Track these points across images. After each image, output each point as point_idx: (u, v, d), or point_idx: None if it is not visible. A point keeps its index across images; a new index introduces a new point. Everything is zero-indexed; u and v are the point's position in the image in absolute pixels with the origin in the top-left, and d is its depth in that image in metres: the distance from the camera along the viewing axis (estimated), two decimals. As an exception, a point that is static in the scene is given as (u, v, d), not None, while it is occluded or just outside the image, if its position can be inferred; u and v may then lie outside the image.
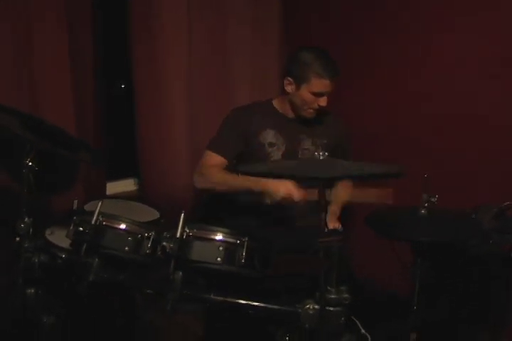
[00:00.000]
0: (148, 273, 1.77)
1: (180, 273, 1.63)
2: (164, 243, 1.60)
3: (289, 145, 2.32)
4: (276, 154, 2.32)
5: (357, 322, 1.71)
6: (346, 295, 1.57)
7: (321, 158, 1.51)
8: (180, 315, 1.66)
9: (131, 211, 2.38)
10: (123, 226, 1.78)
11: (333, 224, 2.17)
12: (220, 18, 2.76)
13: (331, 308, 1.57)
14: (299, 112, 2.30)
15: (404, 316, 1.90)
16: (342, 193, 2.34)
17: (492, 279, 2.10)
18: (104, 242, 1.73)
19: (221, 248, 1.63)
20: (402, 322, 1.90)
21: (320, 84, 2.17)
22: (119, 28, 2.61)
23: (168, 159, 2.71)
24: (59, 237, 2.07)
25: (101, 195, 2.63)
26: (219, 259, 1.62)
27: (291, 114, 2.34)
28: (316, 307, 1.58)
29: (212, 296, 1.63)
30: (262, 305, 1.62)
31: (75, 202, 2.31)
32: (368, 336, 1.82)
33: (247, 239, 1.64)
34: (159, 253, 1.70)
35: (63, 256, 1.97)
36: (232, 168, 2.32)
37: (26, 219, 1.88)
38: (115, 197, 2.65)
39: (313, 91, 2.19)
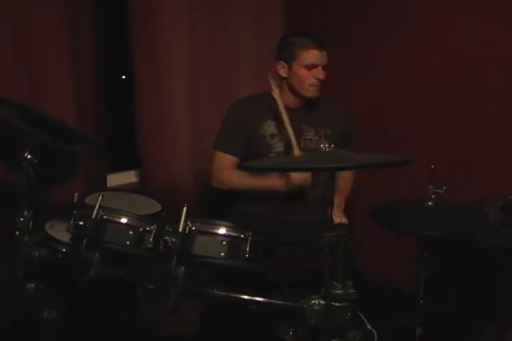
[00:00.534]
0: (150, 267, 1.73)
1: (183, 267, 1.59)
2: (166, 237, 1.56)
3: (290, 136, 2.28)
4: (279, 145, 2.28)
5: (363, 317, 1.68)
6: (352, 291, 1.54)
7: (327, 149, 1.47)
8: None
9: (132, 203, 2.34)
10: (124, 220, 1.75)
11: (339, 218, 2.15)
12: (222, 14, 2.73)
13: (337, 304, 1.54)
14: (301, 93, 2.25)
15: (410, 310, 1.87)
16: (345, 186, 2.31)
17: (498, 272, 2.06)
18: (105, 237, 1.71)
19: (224, 242, 1.60)
20: (407, 317, 1.88)
21: (308, 55, 2.17)
22: (120, 25, 2.57)
23: (170, 150, 2.68)
24: (59, 231, 2.04)
25: (102, 187, 2.59)
26: (222, 254, 1.59)
27: (292, 104, 2.30)
28: (322, 302, 1.55)
29: (215, 291, 1.60)
30: (266, 300, 1.59)
31: (76, 194, 2.29)
32: (374, 332, 1.80)
33: (251, 233, 1.61)
34: (161, 247, 1.67)
35: (64, 250, 1.95)
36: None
37: (26, 213, 1.84)
38: (116, 189, 2.62)
39: (305, 63, 2.17)
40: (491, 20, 2.30)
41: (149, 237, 1.71)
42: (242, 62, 2.85)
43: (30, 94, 2.24)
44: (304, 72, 2.19)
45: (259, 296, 1.60)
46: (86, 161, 2.44)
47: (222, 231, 1.62)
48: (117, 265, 1.72)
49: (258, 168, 1.69)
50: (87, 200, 2.26)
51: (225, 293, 1.59)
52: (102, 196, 1.77)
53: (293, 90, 2.27)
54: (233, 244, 1.60)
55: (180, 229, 1.58)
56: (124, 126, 2.83)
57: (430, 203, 1.79)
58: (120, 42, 2.60)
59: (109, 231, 1.71)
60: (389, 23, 2.65)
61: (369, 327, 1.75)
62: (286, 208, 2.29)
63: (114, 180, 2.73)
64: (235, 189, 2.27)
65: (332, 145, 1.49)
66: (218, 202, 2.48)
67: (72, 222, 1.80)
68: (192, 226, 1.61)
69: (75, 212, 1.83)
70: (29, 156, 1.79)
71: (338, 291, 1.54)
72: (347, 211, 2.23)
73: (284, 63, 2.23)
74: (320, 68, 2.18)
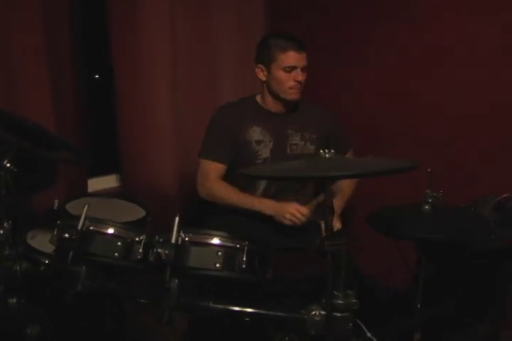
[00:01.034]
0: (141, 280, 1.65)
1: (176, 280, 1.52)
2: (159, 249, 1.48)
3: (276, 142, 2.23)
4: (265, 151, 2.23)
5: (362, 325, 1.64)
6: (354, 300, 1.49)
7: (327, 156, 1.41)
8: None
9: (115, 210, 2.26)
10: (111, 230, 1.66)
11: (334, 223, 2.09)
12: (204, 14, 2.66)
13: (339, 314, 1.49)
14: (283, 96, 2.19)
15: (409, 315, 1.83)
16: (346, 188, 2.26)
17: (495, 273, 2.04)
18: (92, 249, 1.62)
19: (220, 253, 1.53)
20: (406, 321, 1.84)
21: (286, 57, 2.11)
22: (99, 20, 2.47)
23: (152, 153, 2.59)
24: (41, 241, 1.95)
25: (82, 192, 2.49)
26: (218, 265, 1.52)
27: (275, 108, 2.25)
28: (323, 313, 1.49)
29: (211, 304, 1.53)
30: (265, 312, 1.53)
31: (56, 201, 2.20)
32: (374, 339, 1.76)
33: (247, 242, 1.54)
34: (151, 258, 1.60)
35: (46, 261, 1.86)
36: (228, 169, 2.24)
37: (5, 225, 1.74)
38: (97, 194, 2.52)
39: (284, 66, 2.11)
40: (482, 18, 2.27)
41: (138, 248, 1.64)
42: (225, 61, 2.79)
43: (7, 96, 2.14)
44: (282, 74, 2.13)
45: (257, 308, 1.53)
46: (66, 166, 2.33)
47: (217, 241, 1.54)
48: (106, 278, 1.64)
49: (256, 176, 1.61)
50: (69, 207, 2.18)
51: (221, 306, 1.52)
52: (88, 206, 1.68)
53: (273, 94, 2.21)
54: (229, 254, 1.53)
55: (173, 241, 1.51)
56: (104, 129, 2.73)
57: (427, 207, 1.75)
58: (100, 42, 2.50)
59: (97, 243, 1.63)
60: (376, 24, 2.60)
61: (369, 335, 1.70)
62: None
63: (95, 184, 2.64)
64: (220, 203, 2.20)
65: (332, 151, 1.43)
66: (203, 207, 2.40)
67: (55, 233, 1.70)
68: (185, 237, 1.54)
69: (58, 222, 1.74)
70: (8, 165, 1.69)
71: (340, 301, 1.48)
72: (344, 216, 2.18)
73: (262, 66, 2.18)
74: (299, 70, 2.13)
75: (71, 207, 2.18)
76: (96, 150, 2.73)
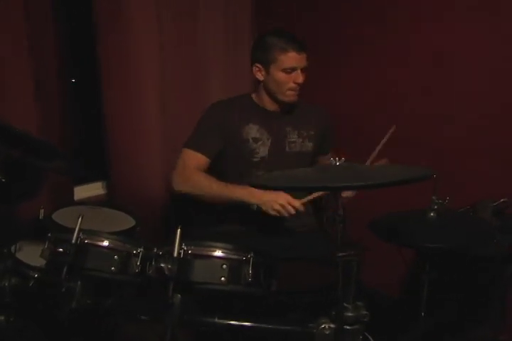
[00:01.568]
0: (140, 295, 1.58)
1: (179, 295, 1.45)
2: (162, 264, 1.41)
3: (274, 140, 2.19)
4: (262, 150, 2.18)
5: (370, 337, 1.59)
6: (365, 312, 1.44)
7: (338, 163, 1.36)
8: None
9: (104, 219, 2.17)
10: (107, 243, 1.59)
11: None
12: (191, 8, 2.59)
13: (349, 327, 1.44)
14: (279, 97, 2.14)
15: (412, 323, 1.79)
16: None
17: (495, 278, 2.02)
18: (87, 263, 1.54)
19: (224, 266, 1.46)
20: (411, 331, 1.80)
21: (287, 58, 2.05)
22: (84, 22, 2.37)
23: (141, 157, 2.51)
24: (28, 254, 1.86)
25: (68, 200, 2.39)
26: (223, 279, 1.45)
27: (271, 107, 2.20)
28: (332, 326, 1.44)
29: (216, 320, 1.46)
30: (272, 326, 1.47)
31: (41, 211, 2.10)
32: (382, 351, 1.71)
33: (252, 254, 1.48)
34: (150, 272, 1.53)
35: (36, 275, 1.77)
36: (212, 167, 2.17)
37: (-8, 238, 1.65)
38: (84, 203, 2.42)
39: (284, 67, 2.06)
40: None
41: (136, 261, 1.57)
42: (212, 62, 2.72)
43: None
44: (282, 76, 2.08)
45: (264, 323, 1.47)
46: (52, 173, 2.24)
47: (221, 253, 1.48)
48: (103, 294, 1.56)
49: (268, 187, 1.54)
50: (55, 217, 2.08)
51: (227, 322, 1.45)
52: (82, 218, 1.60)
53: (270, 94, 2.16)
54: (234, 267, 1.47)
55: (176, 254, 1.44)
56: (89, 135, 2.63)
57: (432, 214, 1.72)
58: (86, 45, 2.41)
59: (92, 257, 1.55)
60: (364, 23, 2.57)
61: (376, 346, 1.66)
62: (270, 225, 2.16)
63: (81, 192, 2.54)
64: (198, 194, 2.08)
65: (343, 159, 1.37)
66: (194, 218, 2.33)
67: (46, 246, 1.62)
68: (188, 250, 1.46)
69: (49, 234, 1.65)
70: (-5, 175, 1.60)
71: (350, 314, 1.43)
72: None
73: (260, 66, 2.12)
74: (299, 71, 2.08)
75: (58, 216, 2.09)
76: (81, 157, 2.63)
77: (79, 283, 1.53)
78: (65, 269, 1.51)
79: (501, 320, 2.15)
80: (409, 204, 1.85)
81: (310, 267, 1.81)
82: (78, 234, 1.55)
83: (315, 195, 2.05)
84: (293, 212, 1.95)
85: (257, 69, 2.12)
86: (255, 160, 2.17)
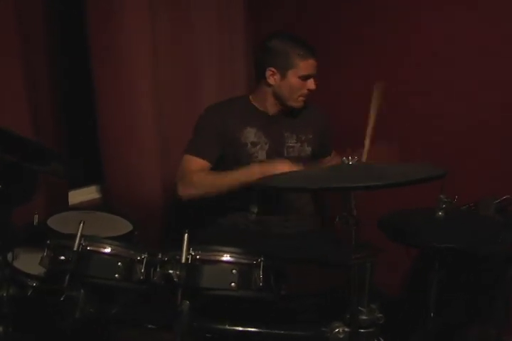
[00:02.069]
0: (146, 303, 1.53)
1: (188, 302, 1.40)
2: (170, 270, 1.36)
3: (272, 144, 2.15)
4: (261, 154, 2.13)
5: (381, 339, 1.56)
6: (379, 315, 1.41)
7: (351, 163, 1.32)
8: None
9: (101, 224, 2.10)
10: (109, 250, 1.54)
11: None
12: (184, 7, 2.53)
13: (363, 330, 1.40)
14: (288, 103, 2.12)
15: (421, 323, 1.77)
16: None
17: (499, 277, 2.00)
18: (90, 271, 1.49)
19: (234, 271, 1.42)
20: (420, 332, 1.77)
21: (306, 65, 2.05)
22: (76, 20, 2.31)
23: (136, 160, 2.44)
24: (25, 262, 1.79)
25: (63, 205, 2.33)
26: (233, 284, 1.41)
27: (272, 110, 2.17)
28: (347, 330, 1.40)
29: (227, 327, 1.41)
30: (285, 332, 1.43)
31: (36, 216, 2.03)
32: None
33: (262, 258, 1.44)
34: (155, 278, 1.48)
35: (34, 284, 1.70)
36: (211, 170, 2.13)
37: (-12, 246, 1.58)
38: (79, 208, 2.35)
39: (302, 74, 2.05)
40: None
41: (140, 268, 1.52)
42: (205, 62, 2.66)
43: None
44: (298, 82, 2.06)
45: (276, 328, 1.43)
46: (46, 177, 2.17)
47: (230, 258, 1.43)
48: (107, 302, 1.51)
49: (274, 187, 1.50)
50: (50, 223, 2.02)
51: (239, 329, 1.41)
52: (84, 223, 1.54)
53: (279, 98, 2.13)
54: (244, 272, 1.42)
55: (183, 260, 1.39)
56: (82, 139, 2.56)
57: (441, 213, 1.69)
58: (78, 45, 2.34)
59: (95, 264, 1.51)
60: (359, 24, 2.53)
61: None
62: (273, 220, 2.13)
63: (76, 196, 2.47)
64: (204, 192, 2.05)
65: (356, 158, 1.34)
66: (193, 217, 2.29)
67: (46, 254, 1.57)
68: (195, 255, 1.42)
69: (48, 241, 1.59)
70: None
71: (364, 317, 1.40)
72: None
73: (275, 70, 2.07)
74: (312, 79, 2.08)
75: (53, 222, 2.02)
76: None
77: (82, 291, 1.48)
78: (67, 277, 1.46)
79: (505, 319, 2.13)
80: (413, 203, 1.82)
81: (317, 269, 1.77)
82: (80, 240, 1.50)
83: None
84: None
85: (271, 73, 2.08)
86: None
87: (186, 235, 1.41)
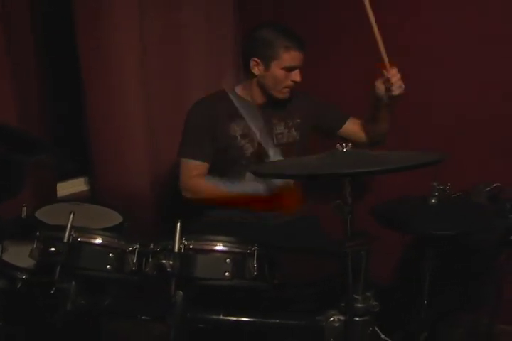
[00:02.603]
0: (138, 294, 1.51)
1: (181, 293, 1.38)
2: (163, 260, 1.34)
3: (261, 134, 2.12)
4: (251, 145, 2.13)
5: (376, 328, 1.55)
6: (375, 303, 1.40)
7: (345, 149, 1.30)
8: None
9: (90, 216, 2.07)
10: (101, 240, 1.51)
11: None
12: (173, 7, 2.50)
13: (358, 318, 1.39)
14: (273, 94, 2.11)
15: (414, 312, 1.76)
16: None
17: (490, 264, 2.01)
18: (81, 262, 1.47)
19: (228, 260, 1.40)
20: (413, 320, 1.77)
21: (290, 57, 2.02)
22: (63, 12, 2.26)
23: (124, 151, 2.41)
24: (14, 255, 1.75)
25: (51, 197, 2.29)
26: (227, 274, 1.39)
27: (259, 100, 2.16)
28: (342, 318, 1.40)
29: (221, 317, 1.40)
30: (279, 321, 1.42)
31: (24, 209, 2.00)
32: (389, 341, 1.67)
33: (256, 247, 1.42)
34: (147, 269, 1.46)
35: (23, 277, 1.67)
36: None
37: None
38: (68, 200, 2.32)
39: (285, 65, 2.03)
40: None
41: (132, 258, 1.50)
42: (195, 61, 2.64)
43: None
44: (281, 73, 2.04)
45: (271, 318, 1.42)
46: (35, 169, 2.13)
47: (223, 247, 1.42)
48: (99, 294, 1.48)
49: (272, 175, 1.48)
50: (39, 215, 1.99)
51: (233, 318, 1.39)
52: (74, 214, 1.51)
53: (264, 89, 2.12)
54: (238, 261, 1.41)
55: (176, 249, 1.37)
56: (69, 130, 2.52)
57: (434, 200, 1.69)
58: (65, 42, 2.30)
59: (86, 256, 1.48)
60: (349, 18, 2.51)
61: (383, 336, 1.62)
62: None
63: (63, 189, 2.43)
64: (210, 198, 2.05)
65: (350, 144, 1.32)
66: (182, 209, 2.26)
67: (35, 246, 1.54)
68: (188, 245, 1.40)
69: (37, 233, 1.56)
70: (-23, 172, 1.50)
71: (360, 305, 1.39)
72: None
73: (259, 60, 2.05)
74: (298, 71, 2.06)
75: (42, 214, 1.99)
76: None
77: (73, 283, 1.46)
78: (57, 269, 1.43)
79: (497, 306, 2.13)
80: (406, 191, 1.81)
81: (311, 258, 1.76)
82: (70, 231, 1.47)
83: None
84: None
85: (255, 63, 2.06)
86: (245, 156, 2.12)
87: (179, 224, 1.39)
